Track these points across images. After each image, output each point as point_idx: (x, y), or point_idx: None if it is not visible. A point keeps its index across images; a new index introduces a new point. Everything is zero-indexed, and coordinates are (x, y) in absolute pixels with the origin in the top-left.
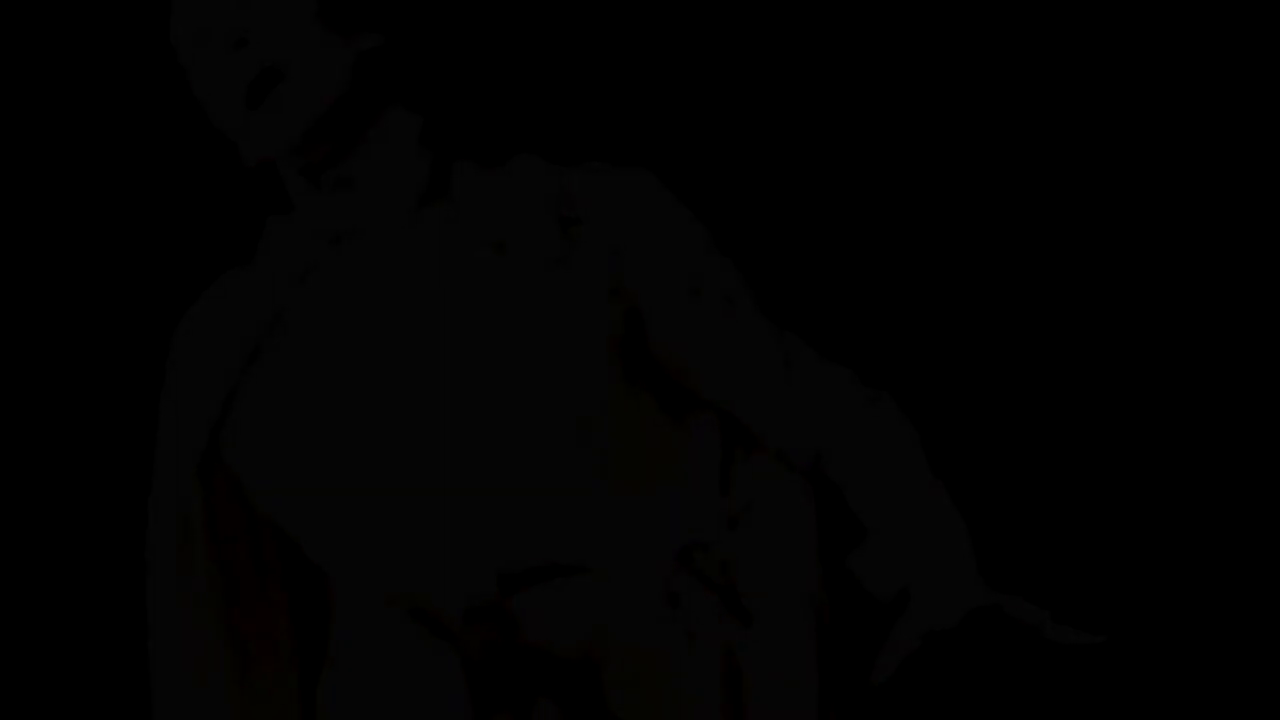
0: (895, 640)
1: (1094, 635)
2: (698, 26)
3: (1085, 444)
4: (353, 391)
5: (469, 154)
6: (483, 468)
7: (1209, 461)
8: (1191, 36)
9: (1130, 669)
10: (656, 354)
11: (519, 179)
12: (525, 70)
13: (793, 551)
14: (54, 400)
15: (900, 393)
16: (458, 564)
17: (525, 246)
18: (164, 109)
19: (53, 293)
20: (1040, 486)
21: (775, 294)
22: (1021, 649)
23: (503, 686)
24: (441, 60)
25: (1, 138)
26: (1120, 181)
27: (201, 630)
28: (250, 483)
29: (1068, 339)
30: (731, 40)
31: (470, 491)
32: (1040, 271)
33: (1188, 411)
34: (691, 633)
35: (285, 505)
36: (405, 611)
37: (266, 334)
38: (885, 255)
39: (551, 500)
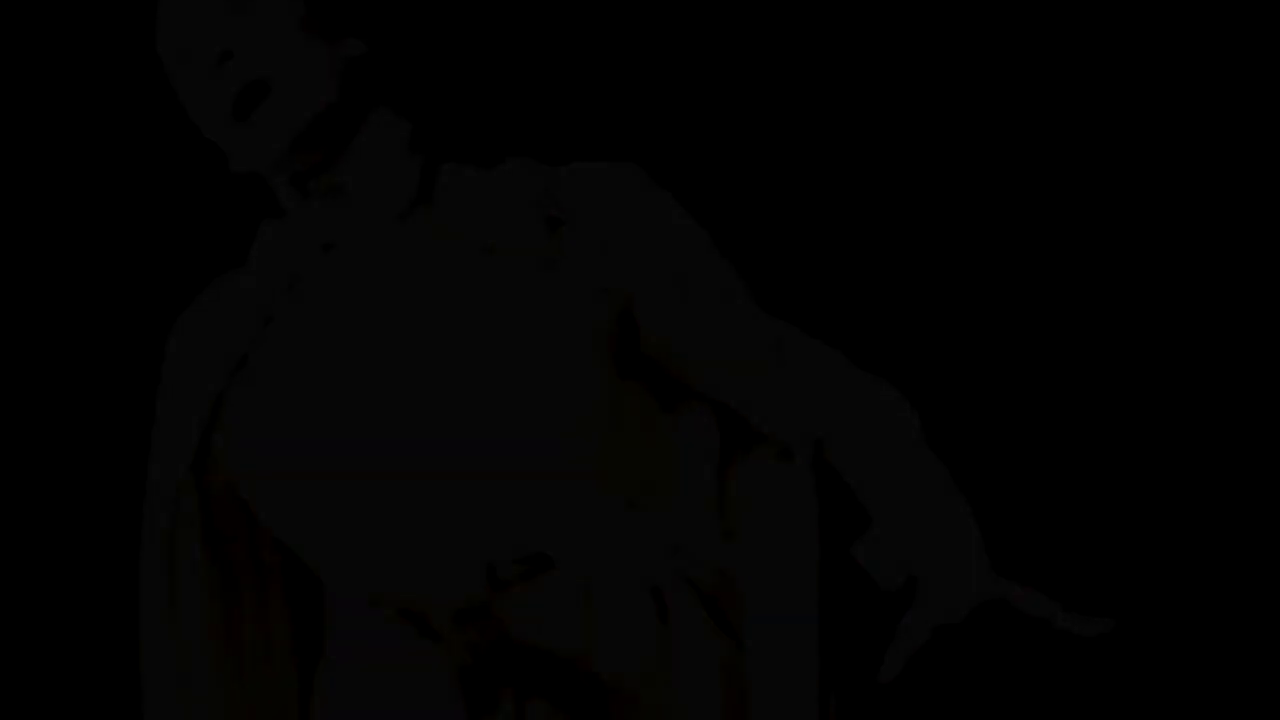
0: (904, 633)
1: (1103, 623)
2: (692, 24)
3: (1084, 434)
4: (341, 392)
5: (460, 157)
6: (472, 467)
7: (1210, 450)
8: (1191, 36)
9: (1135, 661)
10: (650, 349)
11: (507, 181)
12: (518, 72)
13: (795, 547)
14: (52, 402)
15: (900, 386)
16: (446, 564)
17: (514, 248)
18: (161, 110)
19: (50, 295)
20: (1036, 477)
21: (773, 289)
22: (1030, 641)
23: (494, 688)
24: (432, 64)
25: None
26: (1117, 176)
27: (195, 630)
28: (241, 483)
29: (1066, 329)
30: (726, 37)
31: (459, 491)
32: (1038, 259)
33: (1188, 399)
34: (681, 638)
35: (275, 505)
36: (396, 613)
37: (258, 337)
38: (883, 249)
39: (542, 500)
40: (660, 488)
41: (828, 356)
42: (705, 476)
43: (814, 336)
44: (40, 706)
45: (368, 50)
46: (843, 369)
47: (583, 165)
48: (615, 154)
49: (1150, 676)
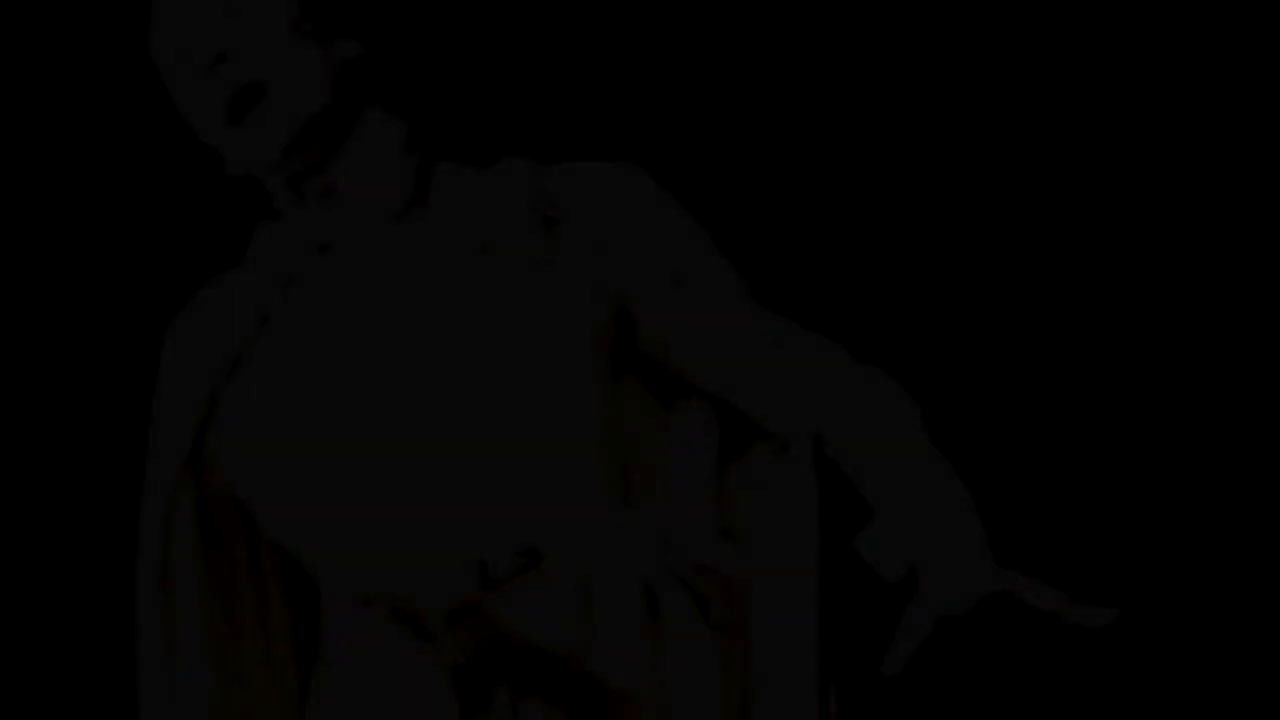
0: (907, 625)
1: (1109, 614)
2: (687, 19)
3: (1084, 426)
4: (336, 392)
5: (456, 157)
6: (466, 465)
7: (1209, 442)
8: (1191, 37)
9: (1137, 651)
10: (648, 347)
11: (503, 180)
12: (512, 71)
13: (795, 542)
14: (49, 402)
15: (900, 379)
16: (439, 560)
17: (509, 247)
18: (158, 112)
19: (48, 295)
20: (1036, 470)
21: (772, 286)
22: (1033, 633)
23: (488, 687)
24: (426, 64)
25: None
26: (1111, 167)
27: (192, 630)
28: (234, 481)
29: (1064, 321)
30: (721, 30)
31: (453, 488)
32: (1037, 251)
33: (1186, 391)
34: (675, 636)
35: (270, 503)
36: (389, 613)
37: (253, 337)
38: (881, 243)
39: (536, 497)
40: (659, 484)
41: (827, 349)
42: (705, 472)
43: (813, 331)
44: (38, 706)
45: (362, 51)
46: (842, 361)
47: (577, 164)
48: (612, 152)
49: (1152, 667)
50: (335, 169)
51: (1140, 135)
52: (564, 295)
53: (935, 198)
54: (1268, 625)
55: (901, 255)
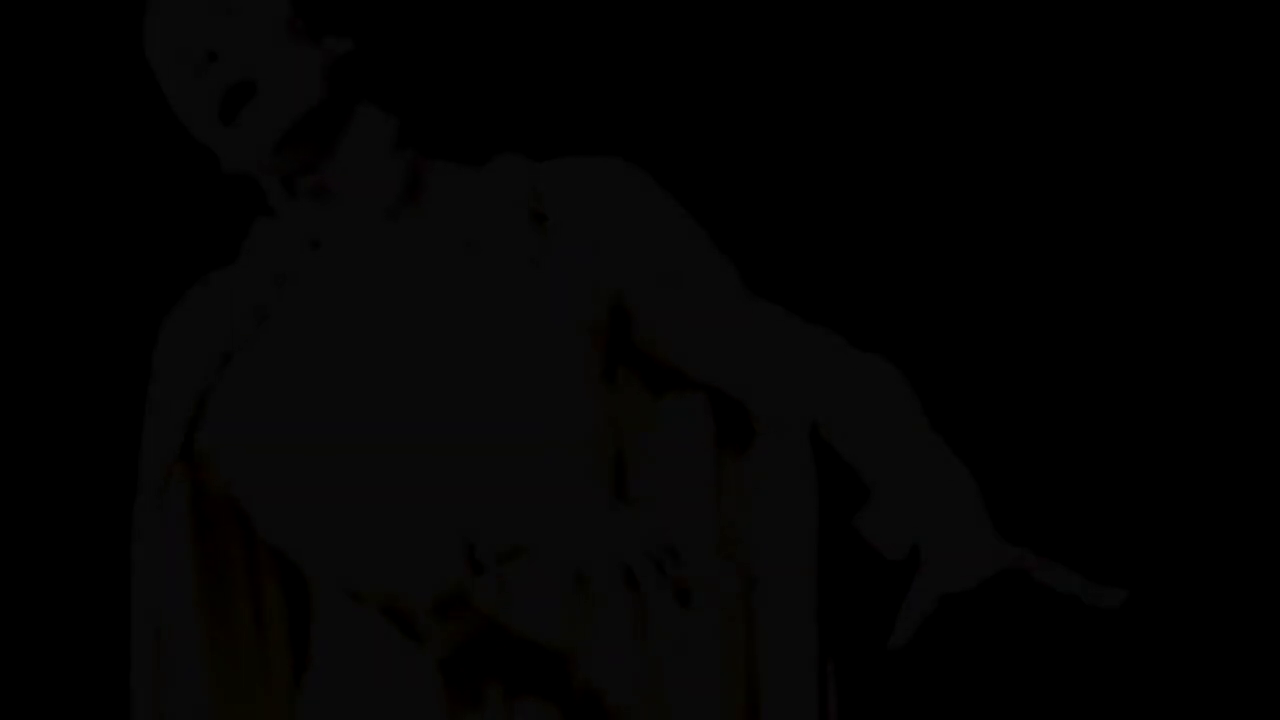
0: (911, 602)
1: (1119, 594)
2: (679, 15)
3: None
4: (327, 387)
5: (447, 154)
6: (457, 459)
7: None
8: (1191, 37)
9: (1139, 632)
10: (642, 341)
11: (494, 177)
12: (504, 68)
13: (794, 530)
14: (45, 400)
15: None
16: (428, 547)
17: (500, 245)
18: (152, 111)
19: (43, 293)
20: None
21: (767, 277)
22: (1039, 618)
23: (478, 684)
24: (418, 61)
25: None
26: (1104, 159)
27: (185, 628)
28: (227, 476)
29: (1061, 313)
30: (714, 26)
31: (441, 482)
32: (1035, 242)
33: (1184, 381)
34: (661, 630)
35: (259, 499)
36: (378, 612)
37: (245, 333)
38: (877, 232)
39: (525, 486)
40: (654, 478)
41: (820, 336)
42: (701, 464)
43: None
44: (36, 705)
45: (354, 48)
46: (838, 346)
47: (568, 160)
48: (604, 148)
49: (1150, 647)
50: (328, 166)
51: (1139, 130)
52: (555, 291)
53: (929, 187)
54: (1272, 610)
55: (897, 244)
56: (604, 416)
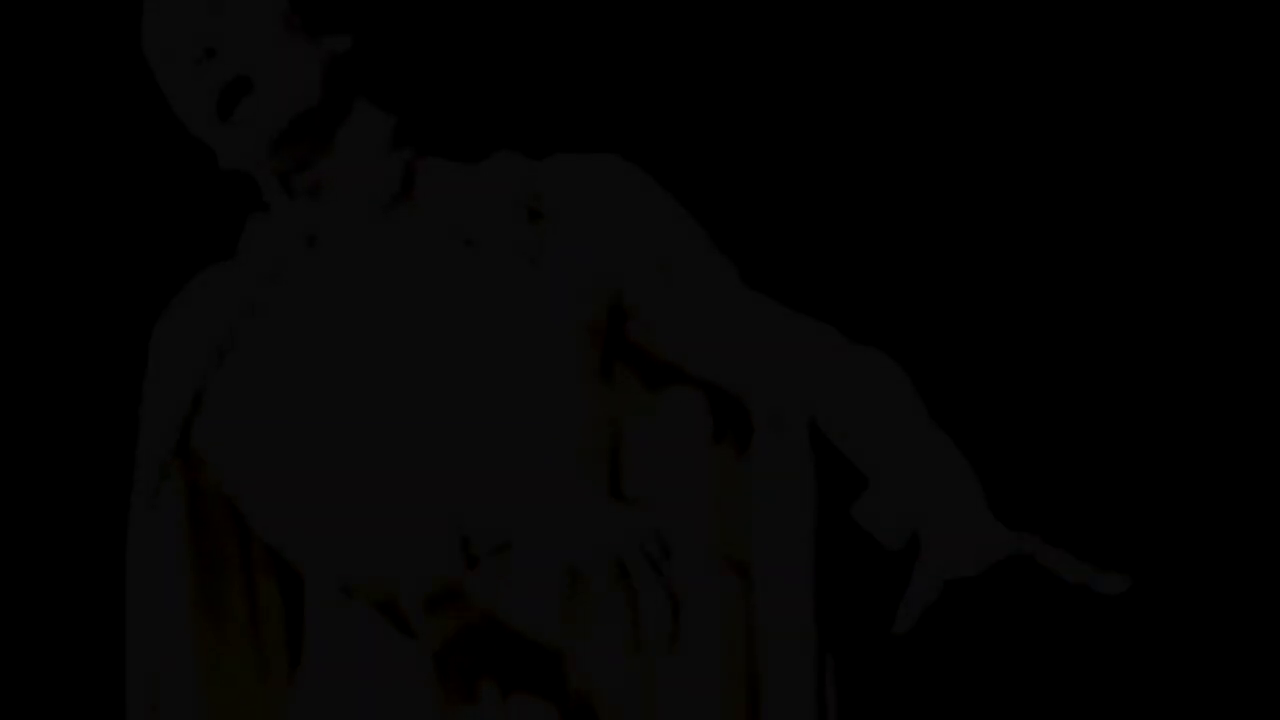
0: (913, 590)
1: (1123, 580)
2: (678, 12)
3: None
4: (321, 384)
5: (444, 151)
6: (450, 455)
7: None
8: (1191, 37)
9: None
10: (639, 337)
11: (490, 174)
12: (501, 65)
13: (792, 523)
14: (41, 398)
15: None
16: (421, 539)
17: (496, 241)
18: (149, 107)
19: (40, 291)
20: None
21: (764, 274)
22: (1039, 607)
23: (472, 679)
24: (415, 58)
25: None
26: (1100, 156)
27: (180, 625)
28: (222, 473)
29: (1058, 306)
30: (715, 25)
31: (435, 478)
32: (1033, 235)
33: (1182, 373)
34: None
35: (253, 493)
36: (372, 607)
37: (240, 329)
38: (874, 227)
39: (519, 480)
40: (653, 474)
41: (818, 331)
42: (699, 461)
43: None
44: (34, 704)
45: (350, 45)
46: (835, 339)
47: (564, 157)
48: (600, 145)
49: (1151, 634)
50: (325, 163)
51: (1139, 130)
52: (553, 289)
53: (925, 183)
54: (1273, 598)
55: (895, 240)
56: (600, 413)
